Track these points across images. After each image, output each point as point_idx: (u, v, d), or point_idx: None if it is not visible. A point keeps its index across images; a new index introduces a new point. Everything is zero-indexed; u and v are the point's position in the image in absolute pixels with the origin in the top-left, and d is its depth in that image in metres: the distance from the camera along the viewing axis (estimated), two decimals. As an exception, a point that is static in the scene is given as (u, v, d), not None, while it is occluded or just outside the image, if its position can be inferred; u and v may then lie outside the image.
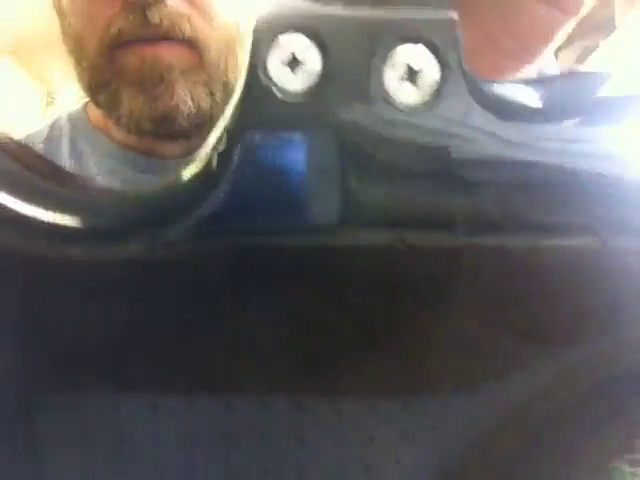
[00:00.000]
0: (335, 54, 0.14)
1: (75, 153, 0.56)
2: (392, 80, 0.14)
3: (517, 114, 0.15)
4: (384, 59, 0.14)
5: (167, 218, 0.16)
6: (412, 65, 0.14)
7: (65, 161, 0.55)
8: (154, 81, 0.46)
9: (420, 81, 0.14)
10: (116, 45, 0.46)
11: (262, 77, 0.15)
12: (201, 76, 0.48)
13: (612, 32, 1.82)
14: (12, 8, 2.18)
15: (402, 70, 0.14)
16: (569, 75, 0.17)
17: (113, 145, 0.55)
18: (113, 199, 0.16)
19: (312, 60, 0.14)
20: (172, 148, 0.54)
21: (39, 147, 0.57)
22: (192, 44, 0.47)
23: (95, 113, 0.57)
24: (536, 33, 0.25)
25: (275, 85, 0.15)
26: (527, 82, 0.16)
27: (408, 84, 0.14)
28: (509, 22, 0.25)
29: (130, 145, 0.55)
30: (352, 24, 0.14)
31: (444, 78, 0.14)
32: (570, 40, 2.41)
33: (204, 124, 0.50)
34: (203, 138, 0.54)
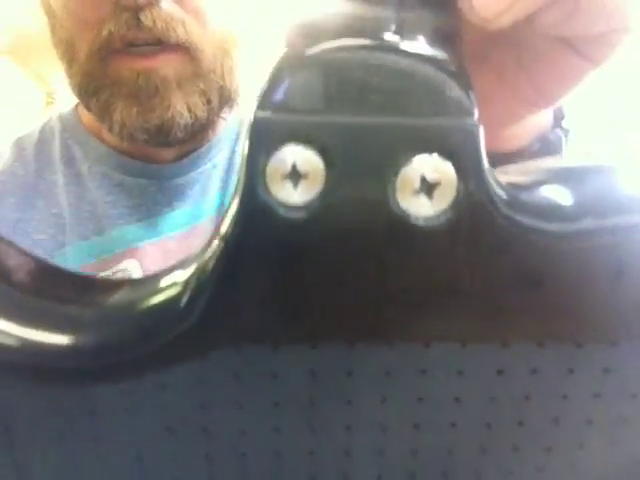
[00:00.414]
0: (341, 166, 0.13)
1: (66, 157, 0.55)
2: (405, 194, 0.13)
3: (548, 217, 0.14)
4: (396, 171, 0.13)
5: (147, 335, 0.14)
6: (428, 177, 0.13)
7: (56, 165, 0.55)
8: (149, 93, 0.45)
9: (437, 192, 0.13)
10: (108, 50, 0.44)
11: (260, 191, 0.13)
12: (197, 85, 0.46)
13: None
14: (11, 7, 2.15)
15: (416, 183, 0.13)
16: (602, 170, 0.15)
17: (105, 149, 0.54)
18: (99, 314, 0.15)
19: (315, 173, 0.13)
20: (167, 153, 0.53)
21: (30, 151, 0.56)
22: (186, 49, 0.45)
23: (87, 115, 0.56)
24: (559, 81, 0.23)
25: (275, 199, 0.13)
26: (557, 179, 0.15)
27: (423, 197, 0.13)
28: (528, 69, 0.23)
29: (123, 149, 0.53)
30: (360, 133, 0.13)
31: (463, 189, 0.13)
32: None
33: (201, 130, 0.49)
34: (199, 142, 0.54)
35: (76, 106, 0.58)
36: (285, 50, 0.15)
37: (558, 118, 0.30)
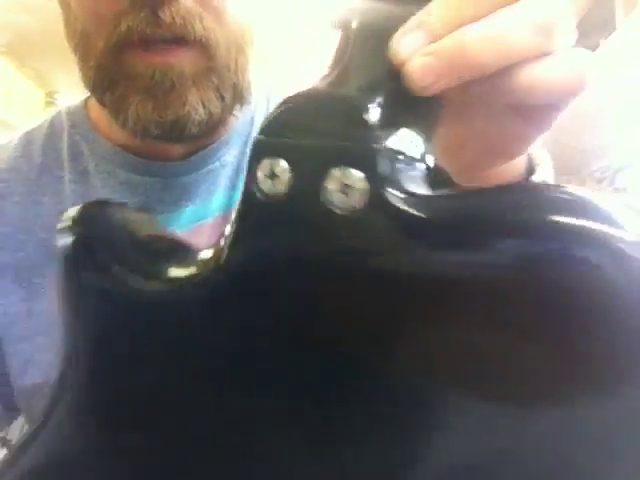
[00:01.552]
0: (298, 172, 0.20)
1: (73, 153, 0.55)
2: (332, 192, 0.20)
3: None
4: (325, 177, 0.20)
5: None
6: (345, 182, 0.20)
7: (64, 161, 0.55)
8: (165, 89, 0.44)
9: (351, 192, 0.20)
10: (124, 44, 0.44)
11: (252, 184, 0.21)
12: (212, 80, 0.46)
13: (612, 32, 1.61)
14: (10, 4, 2.09)
15: (338, 185, 0.20)
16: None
17: (111, 147, 0.54)
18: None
19: (284, 175, 0.21)
20: (175, 151, 0.53)
21: (37, 145, 0.56)
22: (203, 45, 0.45)
23: (95, 111, 0.56)
24: (507, 144, 0.26)
25: (259, 190, 0.21)
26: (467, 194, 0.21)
27: (342, 195, 0.20)
28: (483, 129, 0.26)
29: (130, 147, 0.53)
30: (309, 151, 0.20)
31: (371, 191, 0.19)
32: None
33: (213, 127, 0.49)
34: (208, 139, 0.54)
35: (85, 101, 0.58)
36: None
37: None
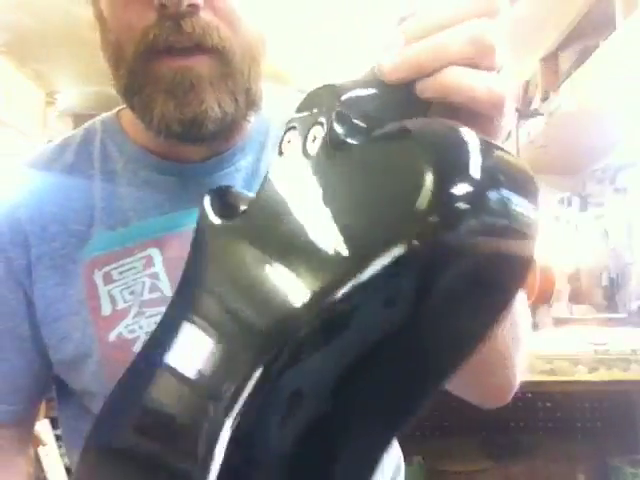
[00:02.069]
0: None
1: (103, 156, 0.62)
2: (309, 142, 0.41)
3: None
4: (307, 132, 0.42)
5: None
6: (314, 135, 0.42)
7: (94, 162, 0.62)
8: (185, 89, 0.51)
9: (317, 140, 0.42)
10: (151, 51, 0.51)
11: (279, 146, 0.45)
12: (227, 84, 0.53)
13: (612, 32, 1.71)
14: (11, 6, 2.13)
15: (312, 137, 0.41)
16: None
17: (138, 149, 0.61)
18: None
19: (297, 140, 0.47)
20: (196, 151, 0.60)
21: (72, 148, 0.63)
22: (219, 53, 0.52)
23: (126, 119, 0.64)
24: None
25: (283, 153, 0.47)
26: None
27: (312, 142, 0.41)
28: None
29: (155, 150, 0.61)
30: (305, 123, 0.43)
31: (326, 140, 0.44)
32: (570, 40, 2.19)
33: (228, 128, 0.56)
34: (225, 144, 0.68)
35: (117, 111, 0.66)
36: None
37: None
